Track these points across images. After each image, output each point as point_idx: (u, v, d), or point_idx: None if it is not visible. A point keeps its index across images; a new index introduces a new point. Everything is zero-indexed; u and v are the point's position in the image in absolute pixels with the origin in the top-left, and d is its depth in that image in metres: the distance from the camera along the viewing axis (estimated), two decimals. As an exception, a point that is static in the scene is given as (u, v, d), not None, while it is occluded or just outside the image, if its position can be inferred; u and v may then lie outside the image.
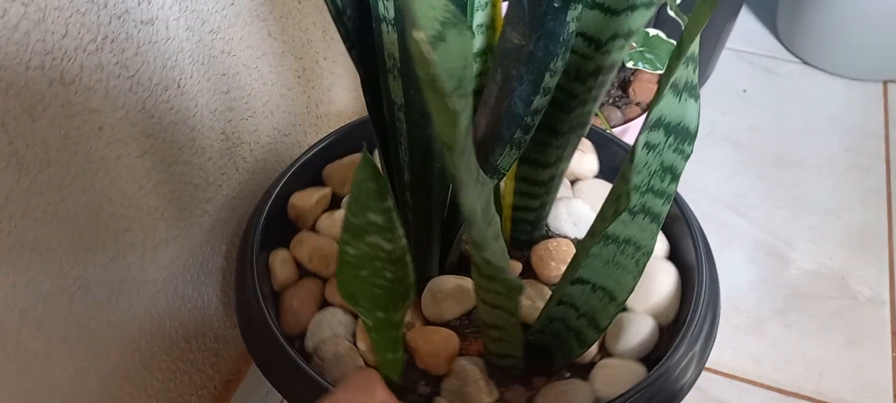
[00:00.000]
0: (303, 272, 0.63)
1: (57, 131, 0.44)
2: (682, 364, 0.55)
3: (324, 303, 0.61)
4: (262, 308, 0.56)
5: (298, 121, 0.76)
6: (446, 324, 0.59)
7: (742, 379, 0.83)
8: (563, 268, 0.59)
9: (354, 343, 0.57)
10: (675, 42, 0.80)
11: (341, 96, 0.85)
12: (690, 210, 0.66)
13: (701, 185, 1.05)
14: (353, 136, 0.72)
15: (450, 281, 0.59)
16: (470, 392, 0.54)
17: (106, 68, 0.47)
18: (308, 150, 0.69)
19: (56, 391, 0.51)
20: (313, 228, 0.66)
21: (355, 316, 0.59)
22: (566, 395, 0.54)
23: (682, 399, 0.53)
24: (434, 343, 0.56)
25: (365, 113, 0.79)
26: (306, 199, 0.65)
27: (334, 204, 0.68)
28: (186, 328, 0.66)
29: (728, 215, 1.02)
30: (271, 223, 0.63)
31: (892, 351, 0.85)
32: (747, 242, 0.98)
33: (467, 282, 0.59)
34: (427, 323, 0.59)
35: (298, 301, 0.60)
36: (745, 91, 1.22)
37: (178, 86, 0.55)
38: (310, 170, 0.69)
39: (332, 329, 0.58)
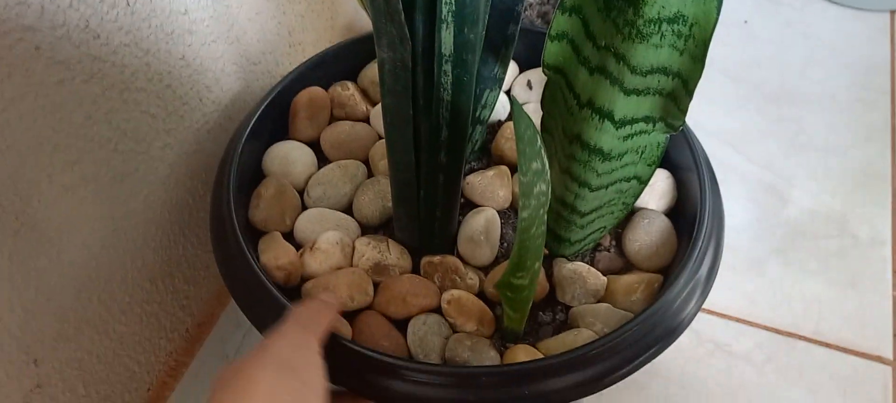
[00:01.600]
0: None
1: (-17, 50, 0.40)
2: (683, 297, 0.51)
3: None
4: (243, 247, 0.52)
5: (269, 49, 0.71)
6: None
7: (738, 320, 0.80)
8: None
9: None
10: None
11: (317, 23, 0.80)
12: (698, 141, 0.63)
13: (699, 121, 1.01)
14: (334, 63, 0.68)
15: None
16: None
17: (39, -20, 0.42)
18: (282, 80, 0.65)
19: (3, 335, 0.47)
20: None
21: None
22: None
23: (679, 334, 0.50)
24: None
25: (342, 40, 0.75)
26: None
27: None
28: (151, 269, 0.62)
29: (727, 152, 0.97)
30: (245, 163, 0.59)
31: (893, 291, 0.82)
32: (746, 180, 0.94)
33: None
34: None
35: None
36: (746, 22, 1.17)
37: (127, 4, 0.50)
38: (283, 103, 0.65)
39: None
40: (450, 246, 0.58)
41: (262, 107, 0.61)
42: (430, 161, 0.50)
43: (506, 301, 0.50)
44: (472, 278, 0.56)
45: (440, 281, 0.56)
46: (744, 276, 0.84)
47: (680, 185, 0.62)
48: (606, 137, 0.46)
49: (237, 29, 0.64)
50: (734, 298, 0.82)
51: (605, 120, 0.45)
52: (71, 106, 0.48)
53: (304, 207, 0.61)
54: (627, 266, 0.59)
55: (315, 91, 0.65)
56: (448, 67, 0.44)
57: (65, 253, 0.51)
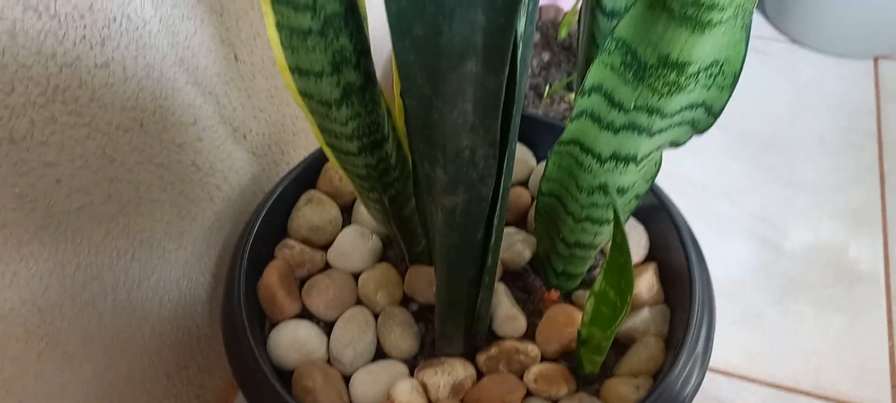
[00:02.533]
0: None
1: (10, 191, 0.42)
2: (683, 377, 0.53)
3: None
4: (251, 344, 0.54)
5: (274, 140, 0.73)
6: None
7: (739, 376, 0.82)
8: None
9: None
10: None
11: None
12: (676, 207, 0.65)
13: (691, 174, 1.03)
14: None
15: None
16: None
17: (59, 119, 0.45)
18: (282, 179, 0.67)
19: (30, 450, 0.49)
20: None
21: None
22: None
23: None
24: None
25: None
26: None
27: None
28: (167, 364, 0.64)
29: (721, 204, 1.00)
30: (258, 245, 0.61)
31: (889, 340, 0.84)
32: (741, 231, 0.96)
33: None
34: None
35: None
36: (733, 73, 1.20)
37: (141, 126, 0.53)
38: (286, 203, 0.67)
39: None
40: (488, 331, 0.60)
41: (260, 218, 0.63)
42: (480, 272, 0.51)
43: (591, 351, 0.53)
44: (532, 349, 0.58)
45: (507, 367, 0.58)
46: (743, 330, 0.86)
47: (669, 276, 0.64)
48: (628, 177, 0.48)
49: (243, 128, 0.66)
50: (734, 353, 0.83)
51: (630, 163, 0.47)
52: (90, 227, 0.50)
53: (345, 376, 0.59)
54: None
55: (271, 275, 0.62)
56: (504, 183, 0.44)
57: (86, 365, 0.53)
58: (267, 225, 0.64)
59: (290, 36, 0.41)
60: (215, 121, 0.62)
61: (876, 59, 1.22)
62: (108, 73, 0.48)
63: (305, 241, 0.66)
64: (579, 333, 0.54)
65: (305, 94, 0.45)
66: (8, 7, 0.39)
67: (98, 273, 0.52)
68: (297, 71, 0.44)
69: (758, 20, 1.30)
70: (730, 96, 0.43)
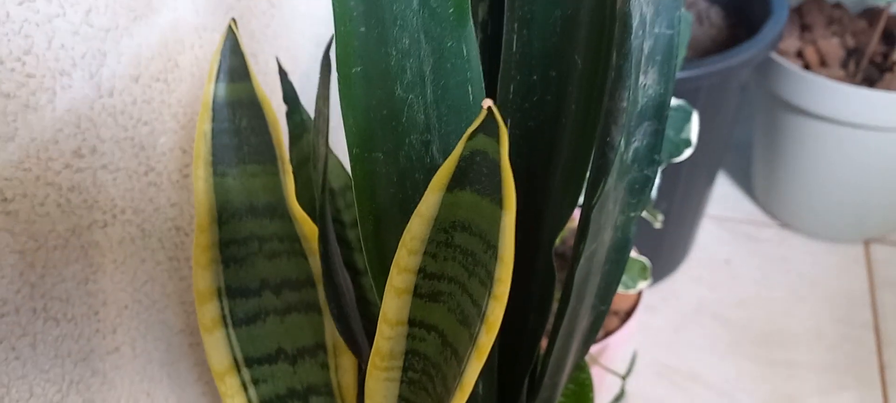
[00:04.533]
0: None
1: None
2: None
3: None
4: None
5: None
6: None
7: None
8: None
9: None
10: (647, 260, 0.81)
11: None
12: None
13: (694, 371, 1.04)
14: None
15: None
16: None
17: (72, 412, 0.47)
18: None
19: None
20: None
21: None
22: None
23: None
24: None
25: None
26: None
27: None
28: None
29: (720, 402, 1.00)
30: None
31: None
32: (744, 433, 0.96)
33: None
34: None
35: None
36: (728, 262, 1.23)
37: (147, 395, 0.55)
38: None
39: None
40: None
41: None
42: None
43: None
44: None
45: None
46: None
47: None
48: None
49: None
50: None
51: None
52: None
53: None
54: None
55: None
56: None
57: None
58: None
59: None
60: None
61: (867, 243, 1.25)
62: (119, 356, 0.51)
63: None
64: None
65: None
66: None
67: None
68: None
69: (748, 205, 1.34)
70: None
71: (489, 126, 0.25)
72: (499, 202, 0.26)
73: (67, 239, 0.40)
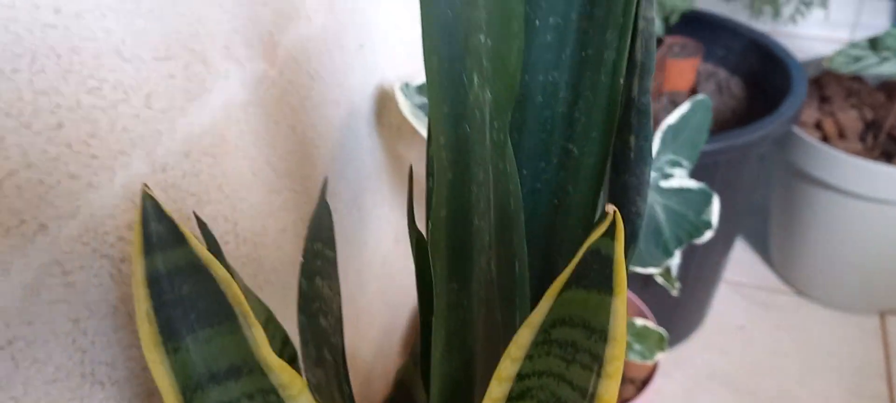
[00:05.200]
0: None
1: None
2: None
3: None
4: None
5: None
6: None
7: None
8: None
9: None
10: (664, 331, 0.82)
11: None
12: None
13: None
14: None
15: None
16: None
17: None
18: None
19: None
20: None
21: None
22: None
23: None
24: None
25: None
26: None
27: None
28: None
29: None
30: None
31: None
32: None
33: None
34: None
35: None
36: (742, 328, 1.24)
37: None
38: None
39: None
40: None
41: None
42: None
43: None
44: None
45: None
46: None
47: None
48: None
49: None
50: None
51: None
52: None
53: None
54: None
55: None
56: None
57: None
58: None
59: None
60: None
61: (882, 315, 1.25)
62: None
63: None
64: None
65: None
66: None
67: None
68: None
69: (764, 271, 1.35)
70: None
71: (610, 229, 0.27)
72: (608, 291, 0.29)
73: (116, 306, 0.42)
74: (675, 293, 0.84)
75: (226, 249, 0.52)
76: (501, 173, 0.31)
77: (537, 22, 0.32)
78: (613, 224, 0.28)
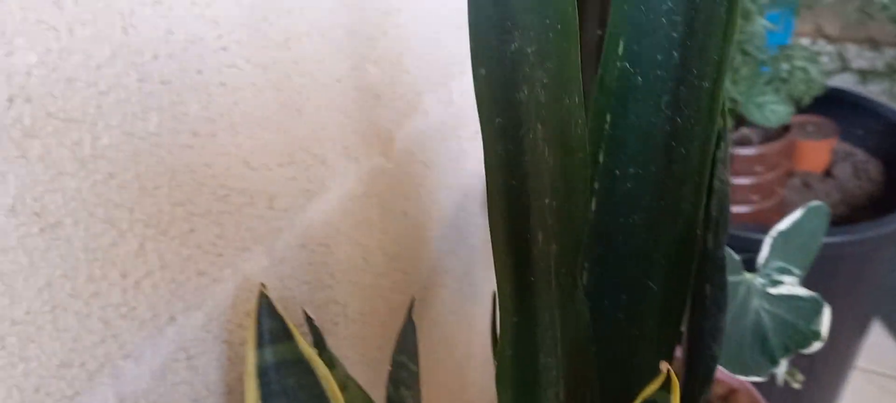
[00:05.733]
0: None
1: None
2: None
3: None
4: None
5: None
6: None
7: None
8: None
9: None
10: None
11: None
12: None
13: None
14: None
15: None
16: None
17: None
18: None
19: None
20: None
21: None
22: None
23: None
24: None
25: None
26: None
27: None
28: None
29: None
30: None
31: None
32: None
33: None
34: None
35: None
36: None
37: None
38: None
39: None
40: None
41: None
42: None
43: None
44: None
45: None
46: None
47: None
48: None
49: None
50: None
51: None
52: None
53: None
54: None
55: None
56: None
57: None
58: None
59: None
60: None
61: None
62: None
63: None
64: None
65: None
66: None
67: None
68: None
69: (905, 362, 1.26)
70: None
71: (665, 383, 0.29)
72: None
73: (232, 387, 0.47)
74: (796, 386, 0.81)
75: (335, 330, 0.56)
76: (570, 313, 0.33)
77: (617, 171, 0.34)
78: (668, 379, 0.29)
